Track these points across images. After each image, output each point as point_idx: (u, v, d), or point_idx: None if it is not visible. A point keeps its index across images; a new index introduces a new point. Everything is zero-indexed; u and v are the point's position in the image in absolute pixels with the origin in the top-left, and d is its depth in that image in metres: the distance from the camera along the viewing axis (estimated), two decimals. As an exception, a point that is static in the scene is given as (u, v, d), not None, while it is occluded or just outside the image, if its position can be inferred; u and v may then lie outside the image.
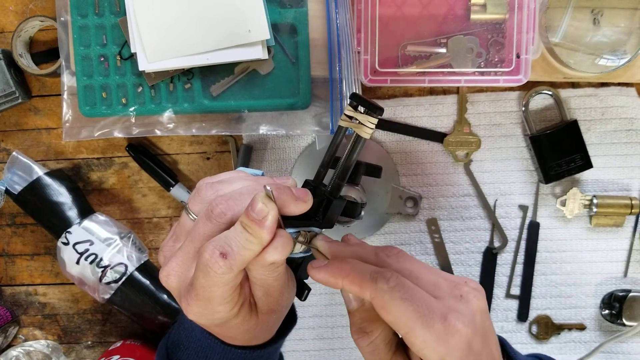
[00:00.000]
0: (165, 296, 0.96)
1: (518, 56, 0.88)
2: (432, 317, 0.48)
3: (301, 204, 0.52)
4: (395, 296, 0.48)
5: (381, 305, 0.49)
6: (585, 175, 0.97)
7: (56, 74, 0.95)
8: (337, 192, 0.57)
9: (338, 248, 0.55)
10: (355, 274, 0.50)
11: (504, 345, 0.58)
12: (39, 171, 0.97)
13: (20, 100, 0.96)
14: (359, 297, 0.54)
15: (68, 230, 0.95)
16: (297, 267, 0.59)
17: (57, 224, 0.96)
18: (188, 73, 0.89)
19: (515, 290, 0.99)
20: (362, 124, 0.55)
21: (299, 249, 0.54)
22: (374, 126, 0.55)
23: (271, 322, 0.59)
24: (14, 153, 0.97)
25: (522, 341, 1.00)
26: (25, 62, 0.96)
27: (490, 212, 0.98)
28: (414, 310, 0.48)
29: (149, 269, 0.97)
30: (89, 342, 1.05)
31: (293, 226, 0.53)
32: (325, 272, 0.51)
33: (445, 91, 0.97)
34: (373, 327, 0.53)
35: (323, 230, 0.57)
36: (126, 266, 0.94)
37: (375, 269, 0.50)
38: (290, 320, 0.65)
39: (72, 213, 0.96)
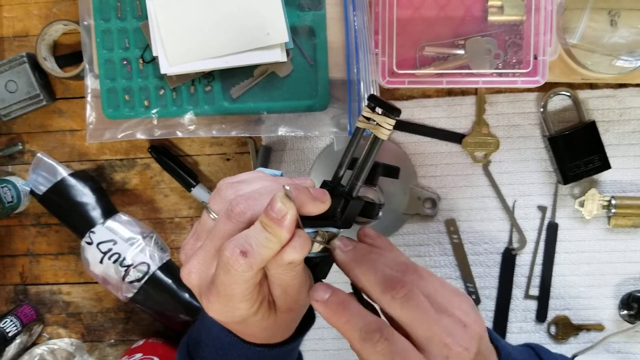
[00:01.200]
0: (186, 295, 0.97)
1: (536, 57, 0.88)
2: None
3: (319, 204, 0.52)
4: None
5: None
6: (603, 176, 0.96)
7: (80, 77, 0.97)
8: (355, 193, 0.57)
9: (350, 263, 0.55)
10: (349, 327, 0.50)
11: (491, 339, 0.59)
12: (63, 172, 0.98)
13: (44, 103, 0.98)
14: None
15: (92, 230, 0.96)
16: (315, 267, 0.59)
17: (81, 224, 0.97)
18: (208, 76, 0.90)
19: (534, 291, 0.99)
20: (379, 125, 0.55)
21: (317, 249, 0.54)
22: (391, 127, 0.55)
23: (289, 320, 0.59)
24: (38, 154, 0.99)
25: (540, 342, 0.99)
26: (50, 65, 0.98)
27: (509, 213, 0.98)
28: None
29: (171, 268, 0.98)
30: (112, 341, 1.06)
31: (311, 226, 0.53)
32: (323, 310, 0.52)
33: (463, 92, 0.97)
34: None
35: (341, 230, 0.57)
36: (149, 265, 0.95)
37: (365, 326, 0.50)
38: (308, 319, 0.66)
39: (96, 213, 0.97)
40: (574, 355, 0.98)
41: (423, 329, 0.51)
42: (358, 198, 0.57)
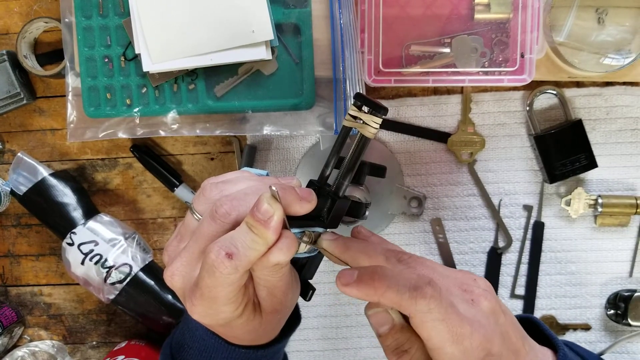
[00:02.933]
0: (169, 296, 0.96)
1: (522, 56, 0.88)
2: (463, 335, 0.48)
3: (305, 204, 0.52)
4: (433, 317, 0.47)
5: (419, 324, 0.48)
6: (590, 174, 0.97)
7: (61, 75, 0.96)
8: (341, 192, 0.57)
9: (344, 246, 0.55)
10: (392, 293, 0.48)
11: (539, 325, 0.58)
12: (43, 172, 0.97)
13: (25, 102, 0.97)
14: (389, 318, 0.52)
15: (73, 230, 0.95)
16: (302, 268, 0.58)
17: (62, 225, 0.96)
18: (192, 74, 0.89)
19: (520, 290, 0.99)
20: (366, 124, 0.55)
21: (303, 249, 0.54)
22: (378, 126, 0.55)
23: (275, 322, 0.59)
24: (19, 154, 0.97)
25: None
26: (30, 63, 0.97)
27: (494, 212, 0.98)
28: (449, 331, 0.47)
29: (154, 270, 0.97)
30: (94, 343, 1.05)
31: (298, 226, 0.53)
32: (357, 291, 0.49)
33: (449, 91, 0.97)
34: (410, 345, 0.52)
35: (327, 230, 0.57)
36: (131, 267, 0.94)
37: (413, 283, 0.48)
38: (294, 320, 0.66)
39: (77, 214, 0.96)
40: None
41: (440, 280, 0.51)
42: (345, 197, 0.57)
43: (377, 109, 0.54)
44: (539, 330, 0.58)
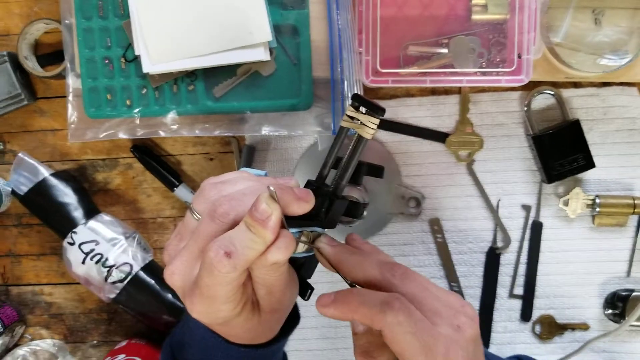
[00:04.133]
0: (169, 295, 0.96)
1: (519, 56, 0.88)
2: (436, 353, 0.48)
3: (303, 204, 0.52)
4: (403, 330, 0.48)
5: (390, 338, 0.49)
6: (587, 175, 0.97)
7: (61, 76, 0.96)
8: (339, 192, 0.57)
9: (341, 254, 0.55)
10: (365, 308, 0.50)
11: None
12: (44, 172, 0.97)
13: (25, 102, 0.97)
14: None
15: (74, 230, 0.95)
16: (300, 267, 0.59)
17: (63, 224, 0.96)
18: (191, 75, 0.89)
19: (519, 290, 0.99)
20: (364, 124, 0.55)
21: (301, 249, 0.54)
22: (375, 126, 0.55)
23: (274, 321, 0.59)
24: (19, 154, 0.98)
25: (525, 341, 1.00)
26: (31, 64, 0.97)
27: (493, 212, 0.98)
28: (420, 345, 0.48)
29: (154, 269, 0.98)
30: (95, 342, 1.05)
31: (296, 226, 0.53)
32: (334, 309, 0.52)
33: (447, 91, 0.97)
34: (379, 353, 0.53)
35: (326, 230, 0.57)
36: (131, 266, 0.95)
37: (382, 299, 0.50)
38: (293, 319, 0.66)
39: (78, 213, 0.97)
40: None
41: (428, 302, 0.52)
42: (342, 197, 0.57)
43: (375, 110, 0.54)
44: None
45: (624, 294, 0.95)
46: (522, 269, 0.99)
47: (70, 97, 0.91)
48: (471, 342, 0.51)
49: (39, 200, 0.97)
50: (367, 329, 0.55)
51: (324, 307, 0.52)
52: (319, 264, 0.58)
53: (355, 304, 0.50)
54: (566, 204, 0.96)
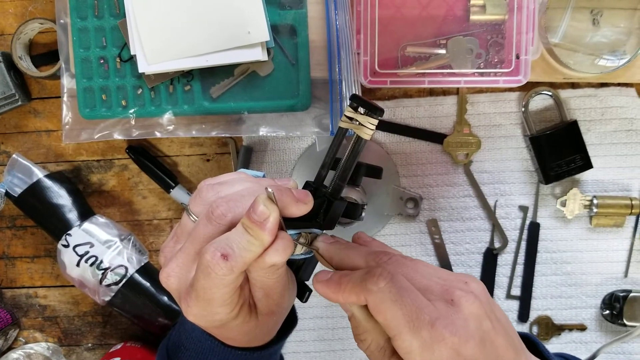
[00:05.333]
0: (165, 298, 0.96)
1: (517, 57, 0.88)
2: (420, 323, 0.46)
3: (302, 206, 0.52)
4: (385, 297, 0.47)
5: (373, 307, 0.48)
6: (585, 175, 0.97)
7: (56, 77, 0.95)
8: (337, 194, 0.57)
9: (333, 249, 0.55)
10: (350, 283, 0.49)
11: (536, 345, 0.57)
12: (39, 173, 0.96)
13: (20, 103, 0.96)
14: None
15: (68, 232, 0.94)
16: (298, 269, 0.58)
17: (57, 226, 0.96)
18: (188, 75, 0.89)
19: (516, 291, 0.99)
20: (362, 125, 0.55)
21: (300, 251, 0.54)
22: (374, 127, 0.55)
23: (271, 323, 0.58)
24: (14, 155, 0.97)
25: (522, 342, 0.99)
26: (25, 64, 0.96)
27: (490, 212, 0.98)
28: (403, 314, 0.46)
29: (149, 271, 0.97)
30: (90, 345, 1.05)
31: (294, 227, 0.53)
32: (325, 287, 0.51)
33: (445, 92, 0.97)
34: (365, 335, 0.52)
35: (324, 231, 0.57)
36: (126, 268, 0.94)
37: (368, 270, 0.49)
38: (290, 321, 0.65)
39: (72, 215, 0.96)
40: None
41: (417, 280, 0.50)
42: (341, 199, 0.57)
43: (373, 110, 0.54)
44: (537, 350, 0.57)
45: (621, 294, 0.95)
46: (519, 269, 0.99)
47: (64, 98, 0.91)
48: (471, 318, 0.48)
49: (33, 202, 0.96)
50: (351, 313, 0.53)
51: (318, 282, 0.51)
52: (318, 265, 0.58)
53: (345, 283, 0.49)
54: (563, 204, 0.95)
